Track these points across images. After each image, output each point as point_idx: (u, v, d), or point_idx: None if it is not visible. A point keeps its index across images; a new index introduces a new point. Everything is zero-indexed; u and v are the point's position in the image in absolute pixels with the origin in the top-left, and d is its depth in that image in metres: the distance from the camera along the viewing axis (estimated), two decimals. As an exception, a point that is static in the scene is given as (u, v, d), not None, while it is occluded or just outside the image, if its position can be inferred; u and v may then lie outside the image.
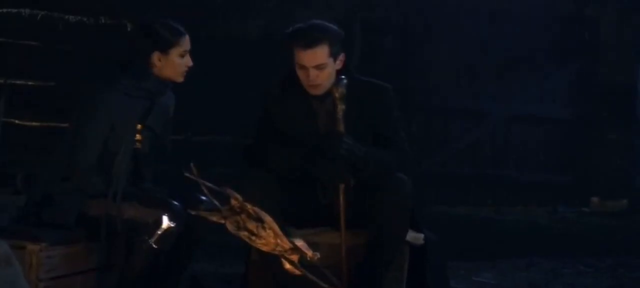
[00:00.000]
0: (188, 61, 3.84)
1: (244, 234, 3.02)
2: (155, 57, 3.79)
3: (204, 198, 3.56)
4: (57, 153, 3.86)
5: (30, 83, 7.72)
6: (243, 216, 3.00)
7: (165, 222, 3.58)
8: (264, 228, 2.98)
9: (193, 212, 3.16)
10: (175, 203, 3.70)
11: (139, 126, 3.80)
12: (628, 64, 8.99)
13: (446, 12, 8.66)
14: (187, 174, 3.04)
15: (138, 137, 3.79)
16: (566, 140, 9.07)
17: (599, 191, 8.78)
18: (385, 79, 3.97)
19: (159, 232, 3.60)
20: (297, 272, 3.06)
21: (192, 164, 3.02)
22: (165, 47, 3.78)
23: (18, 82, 7.70)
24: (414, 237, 3.81)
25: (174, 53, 3.80)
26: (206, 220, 3.04)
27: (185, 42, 3.83)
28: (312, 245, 3.36)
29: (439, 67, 8.73)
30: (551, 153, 9.06)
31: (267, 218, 3.01)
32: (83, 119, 3.77)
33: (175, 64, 3.81)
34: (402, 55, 8.58)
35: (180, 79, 3.86)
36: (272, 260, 3.41)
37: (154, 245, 3.62)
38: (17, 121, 7.75)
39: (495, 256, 6.00)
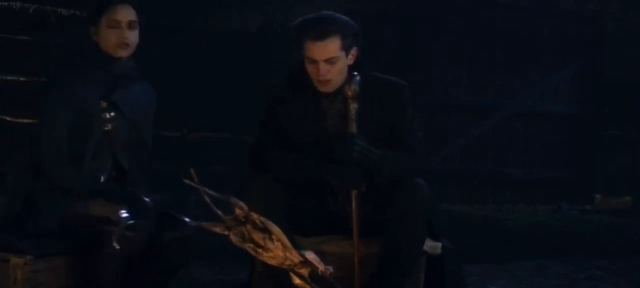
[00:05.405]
0: (123, 35, 3.59)
1: (249, 246, 2.78)
2: (91, 31, 3.64)
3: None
4: (28, 151, 3.70)
5: (22, 79, 7.52)
6: (248, 227, 2.75)
7: (124, 216, 3.25)
8: (271, 240, 2.74)
9: (194, 223, 2.91)
10: (146, 199, 3.43)
11: (103, 104, 3.58)
12: (631, 60, 8.96)
13: (447, 7, 8.53)
14: (186, 181, 2.79)
15: (106, 116, 3.57)
16: (569, 136, 9.03)
17: (602, 188, 8.75)
18: (386, 74, 3.77)
19: (119, 230, 3.23)
20: (307, 287, 2.82)
21: (192, 170, 2.77)
22: (95, 19, 3.62)
23: (9, 77, 7.51)
24: (432, 246, 3.61)
25: (103, 23, 3.60)
26: (208, 231, 2.80)
27: (114, 11, 3.60)
28: (322, 254, 3.15)
29: (440, 63, 8.61)
30: (554, 150, 9.00)
31: (275, 229, 2.76)
32: (43, 108, 3.62)
33: (104, 34, 3.60)
34: (403, 50, 8.43)
35: (118, 53, 3.60)
36: (279, 274, 3.19)
37: (116, 246, 3.24)
38: (8, 118, 7.55)
39: (502, 258, 5.90)
